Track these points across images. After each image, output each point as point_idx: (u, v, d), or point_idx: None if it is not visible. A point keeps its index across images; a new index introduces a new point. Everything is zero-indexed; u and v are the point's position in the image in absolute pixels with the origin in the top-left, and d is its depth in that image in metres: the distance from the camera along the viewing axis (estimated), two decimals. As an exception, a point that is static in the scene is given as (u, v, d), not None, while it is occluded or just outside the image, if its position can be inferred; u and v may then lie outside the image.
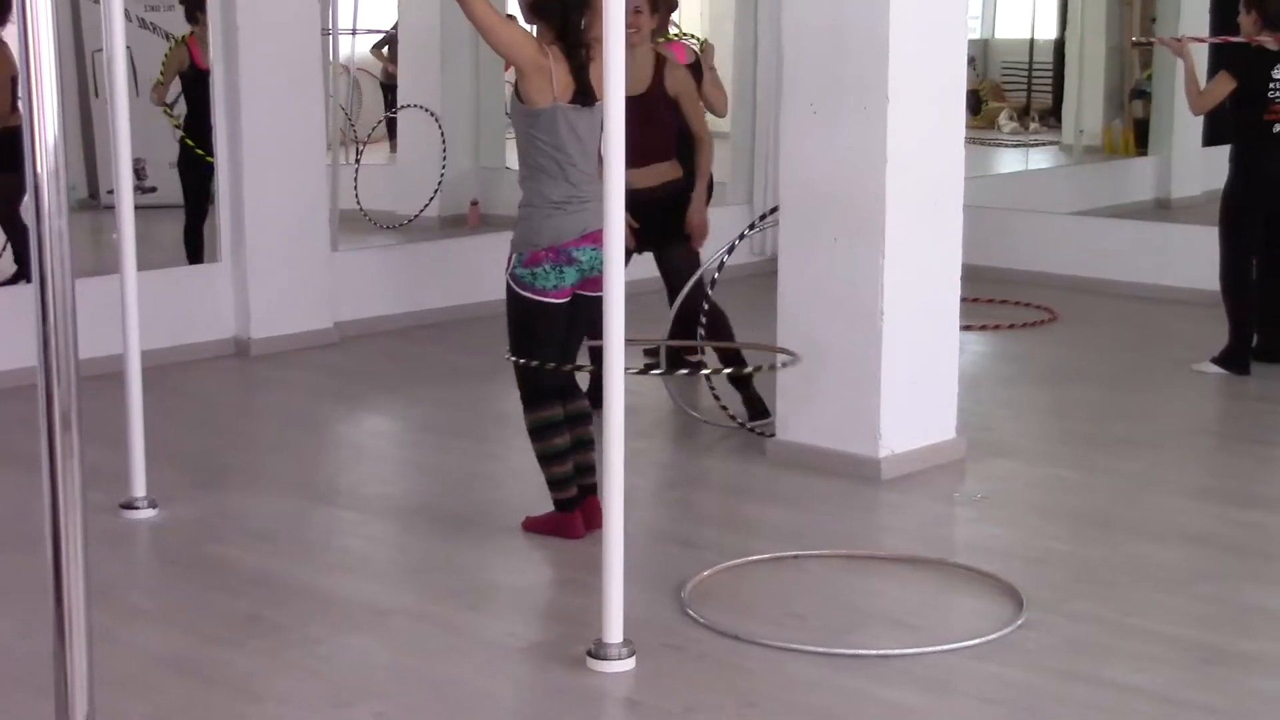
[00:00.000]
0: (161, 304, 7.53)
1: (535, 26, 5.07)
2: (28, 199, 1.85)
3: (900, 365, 5.88)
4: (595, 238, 4.91)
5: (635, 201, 6.22)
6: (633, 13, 6.23)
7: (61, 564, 1.99)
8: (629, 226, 6.17)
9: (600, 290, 4.09)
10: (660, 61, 6.47)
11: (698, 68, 7.66)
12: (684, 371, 6.42)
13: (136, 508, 5.45)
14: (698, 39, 8.00)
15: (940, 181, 5.97)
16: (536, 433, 5.17)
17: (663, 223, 6.59)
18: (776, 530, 5.35)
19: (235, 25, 7.87)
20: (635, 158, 6.36)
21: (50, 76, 1.76)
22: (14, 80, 8.13)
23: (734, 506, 5.74)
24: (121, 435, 5.48)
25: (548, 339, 5.04)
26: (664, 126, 6.48)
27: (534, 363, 4.99)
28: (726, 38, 11.20)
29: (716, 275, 6.36)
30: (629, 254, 6.14)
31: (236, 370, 7.83)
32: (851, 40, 5.76)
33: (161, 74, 9.15)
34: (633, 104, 6.34)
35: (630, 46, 6.23)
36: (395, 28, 12.51)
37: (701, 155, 6.58)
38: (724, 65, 11.17)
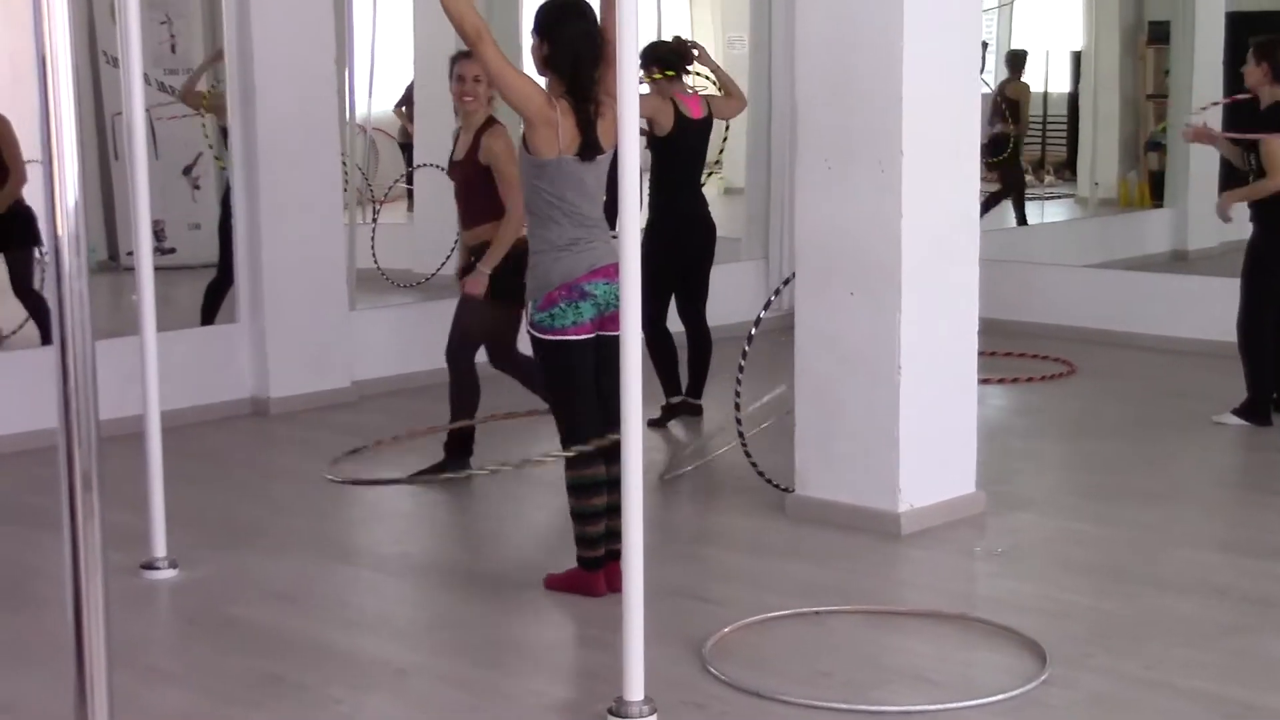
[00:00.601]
0: (181, 364, 7.56)
1: (546, 79, 5.10)
2: (48, 261, 1.86)
3: (918, 419, 5.87)
4: (606, 272, 4.95)
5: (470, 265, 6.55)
6: (471, 80, 6.41)
7: (82, 624, 1.99)
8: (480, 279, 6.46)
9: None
10: (480, 133, 6.52)
11: (709, 120, 7.72)
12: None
13: (157, 568, 5.45)
14: (708, 78, 8.03)
15: (956, 235, 5.98)
16: (577, 490, 5.17)
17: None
18: (797, 586, 5.33)
19: (253, 85, 7.93)
20: (461, 220, 6.63)
21: (70, 141, 1.78)
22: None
23: (754, 562, 5.72)
24: (142, 496, 5.48)
25: (581, 381, 5.07)
26: (481, 192, 6.53)
27: (570, 452, 5.03)
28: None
29: (753, 332, 6.39)
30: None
31: (255, 430, 7.84)
32: (865, 95, 5.79)
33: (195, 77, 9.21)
34: (454, 170, 6.62)
35: (467, 114, 6.42)
36: (412, 86, 12.59)
37: (504, 226, 6.53)
38: (738, 121, 11.25)
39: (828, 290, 5.96)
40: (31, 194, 8.91)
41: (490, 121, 6.51)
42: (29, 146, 10.70)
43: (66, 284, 1.83)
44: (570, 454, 5.10)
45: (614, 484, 5.15)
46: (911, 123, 5.73)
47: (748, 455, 6.40)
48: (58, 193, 1.81)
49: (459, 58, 6.49)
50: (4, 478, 6.81)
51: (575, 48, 4.99)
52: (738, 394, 6.35)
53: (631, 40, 3.99)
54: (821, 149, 5.93)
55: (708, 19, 16.65)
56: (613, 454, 5.18)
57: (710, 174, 8.57)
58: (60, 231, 1.83)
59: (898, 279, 5.77)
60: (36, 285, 8.35)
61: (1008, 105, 13.08)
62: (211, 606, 5.21)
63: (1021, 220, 13.35)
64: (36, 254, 8.41)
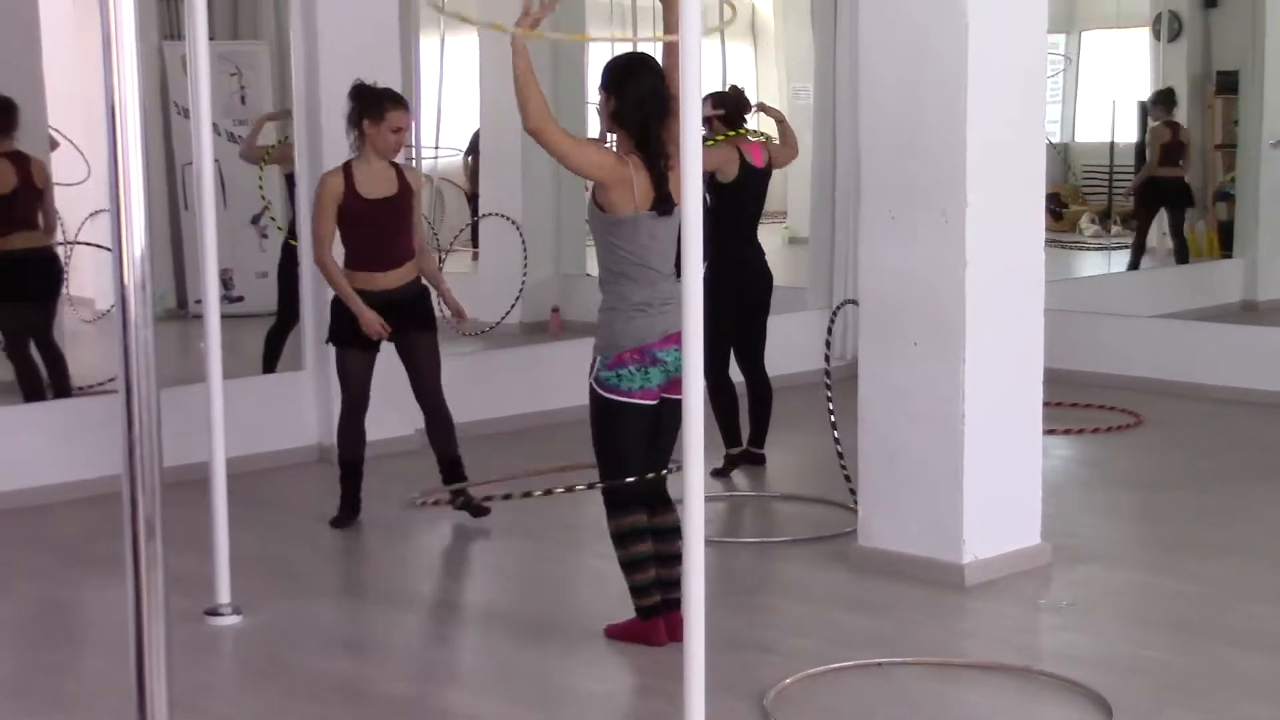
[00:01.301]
0: (247, 411, 7.61)
1: (615, 135, 5.12)
2: (115, 309, 1.88)
3: (983, 470, 5.83)
4: (678, 339, 4.93)
5: (387, 303, 6.58)
6: (399, 130, 6.56)
7: (145, 671, 2.01)
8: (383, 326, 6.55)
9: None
10: (400, 169, 6.69)
11: (769, 169, 7.74)
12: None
13: (220, 614, 5.48)
14: (764, 135, 8.05)
15: (1021, 285, 5.95)
16: (619, 539, 5.16)
17: (410, 318, 6.71)
18: (859, 637, 5.29)
19: (320, 129, 8.00)
20: (387, 261, 6.61)
21: (138, 190, 1.80)
22: (39, 193, 8.12)
23: (816, 612, 5.69)
24: (206, 542, 5.52)
25: (634, 443, 5.04)
26: (408, 226, 6.69)
27: (594, 485, 5.02)
28: (805, 145, 11.26)
29: (829, 368, 6.40)
30: (378, 343, 6.64)
31: (320, 477, 7.88)
32: (929, 146, 5.78)
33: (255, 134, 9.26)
34: (384, 208, 6.59)
35: (386, 154, 6.56)
36: (478, 136, 12.68)
37: (429, 262, 6.93)
38: (803, 172, 11.26)
39: (891, 340, 5.94)
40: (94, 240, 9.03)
41: (393, 162, 6.69)
42: (100, 196, 10.85)
43: (132, 332, 1.86)
44: (585, 485, 5.11)
45: (660, 532, 5.14)
46: (976, 172, 5.72)
47: (852, 493, 6.36)
48: (125, 241, 1.84)
49: (395, 105, 6.59)
50: (72, 524, 6.88)
51: (644, 103, 5.00)
52: (836, 435, 6.28)
53: (695, 94, 4.00)
54: (886, 199, 5.93)
55: (772, 69, 16.72)
56: (655, 502, 5.17)
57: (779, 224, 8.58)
58: (127, 280, 1.85)
59: (962, 329, 5.75)
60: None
61: (1171, 147, 12.85)
62: (274, 653, 5.23)
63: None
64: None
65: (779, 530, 6.76)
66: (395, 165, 6.66)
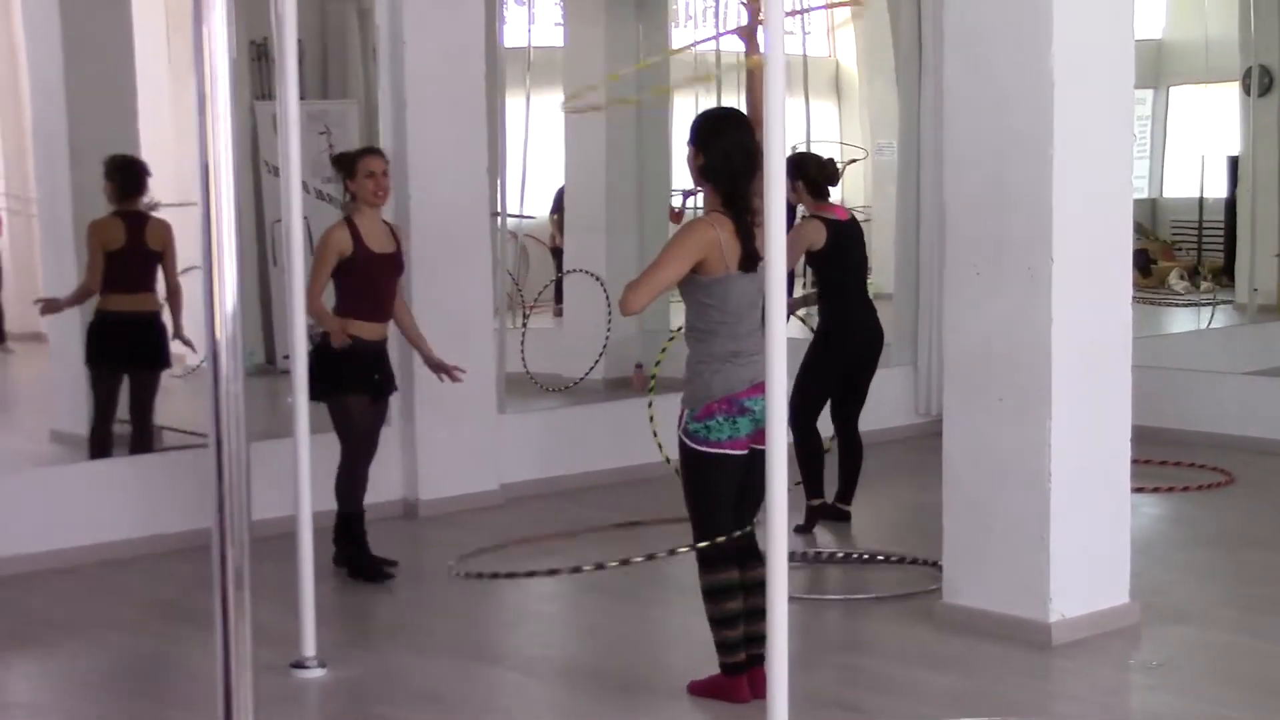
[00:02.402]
0: (334, 466, 7.67)
1: (702, 188, 5.14)
2: (205, 363, 1.91)
3: (1070, 528, 5.77)
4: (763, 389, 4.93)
5: (375, 355, 6.90)
6: (382, 175, 6.82)
7: (232, 722, 2.02)
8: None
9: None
10: (392, 226, 7.04)
11: (856, 222, 7.75)
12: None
13: (306, 667, 5.52)
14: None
15: (1108, 342, 5.90)
16: (711, 595, 5.14)
17: (387, 374, 7.05)
18: (944, 695, 5.24)
19: (408, 193, 8.10)
20: (381, 313, 6.86)
21: (230, 247, 1.84)
22: (152, 255, 8.10)
23: (900, 671, 5.64)
24: (292, 595, 5.56)
25: (725, 494, 5.04)
26: (396, 286, 7.00)
27: (701, 543, 5.02)
28: (889, 199, 11.27)
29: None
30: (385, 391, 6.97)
31: (405, 531, 7.93)
32: (1015, 204, 5.76)
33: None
34: (386, 262, 6.80)
35: (375, 205, 6.82)
36: (562, 193, 12.77)
37: (409, 320, 7.18)
38: (886, 227, 11.25)
39: (977, 396, 5.90)
40: (190, 298, 9.10)
41: (384, 220, 7.01)
42: (191, 253, 11.02)
43: (223, 386, 1.89)
44: (686, 547, 5.10)
45: (748, 586, 5.12)
46: (1063, 230, 5.69)
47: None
48: (216, 297, 1.87)
49: (365, 154, 6.91)
50: (159, 577, 6.95)
51: (732, 159, 5.02)
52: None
53: (779, 152, 4.02)
54: (971, 255, 5.91)
55: (856, 125, 16.74)
56: (746, 557, 5.15)
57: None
58: (218, 335, 1.88)
59: (1048, 385, 5.71)
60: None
61: None
62: (359, 706, 5.26)
63: None
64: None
65: (863, 587, 6.72)
66: (388, 224, 6.98)
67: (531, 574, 6.41)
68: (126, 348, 8.05)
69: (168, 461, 7.87)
